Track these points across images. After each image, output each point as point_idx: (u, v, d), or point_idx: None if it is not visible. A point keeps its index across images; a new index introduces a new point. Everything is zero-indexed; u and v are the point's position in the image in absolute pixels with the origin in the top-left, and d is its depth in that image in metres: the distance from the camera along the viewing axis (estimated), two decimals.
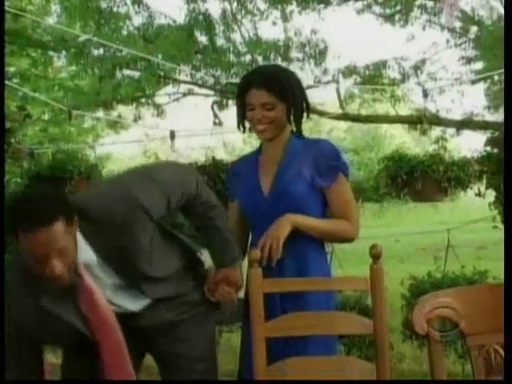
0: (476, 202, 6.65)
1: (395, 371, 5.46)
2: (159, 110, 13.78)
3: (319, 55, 12.40)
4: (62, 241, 2.71)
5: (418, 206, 7.30)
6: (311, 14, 12.30)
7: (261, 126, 3.31)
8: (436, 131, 12.84)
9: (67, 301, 2.90)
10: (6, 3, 7.36)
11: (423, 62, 12.71)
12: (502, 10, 11.48)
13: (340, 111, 12.49)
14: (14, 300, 2.90)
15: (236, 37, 12.21)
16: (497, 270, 5.71)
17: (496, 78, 12.82)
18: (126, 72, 12.12)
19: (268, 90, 3.26)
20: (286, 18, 12.29)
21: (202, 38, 11.95)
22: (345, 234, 3.35)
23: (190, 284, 3.29)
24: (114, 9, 11.75)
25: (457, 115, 12.93)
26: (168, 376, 3.31)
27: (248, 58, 12.16)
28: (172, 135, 7.21)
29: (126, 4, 11.79)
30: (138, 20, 11.88)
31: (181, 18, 11.87)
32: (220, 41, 12.07)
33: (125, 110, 14.78)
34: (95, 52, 11.70)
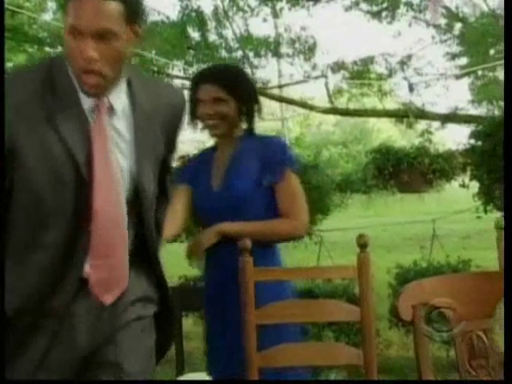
0: (460, 194, 6.66)
1: (382, 357, 5.48)
2: None
3: (308, 51, 12.43)
4: (113, 24, 2.13)
5: (404, 197, 7.30)
6: (300, 11, 12.33)
7: (211, 121, 3.22)
8: (422, 125, 12.87)
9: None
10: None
11: (409, 57, 12.76)
12: (485, 7, 11.52)
13: (329, 105, 12.51)
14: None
15: (228, 33, 12.22)
16: (480, 259, 5.74)
17: (480, 72, 12.89)
18: None
19: (220, 85, 3.19)
20: (276, 15, 12.31)
21: (195, 35, 11.95)
22: (286, 233, 3.24)
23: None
24: None
25: (442, 109, 12.99)
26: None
27: (239, 53, 12.17)
28: None
29: None
30: None
31: (174, 14, 11.88)
32: (212, 37, 12.09)
33: None
34: None
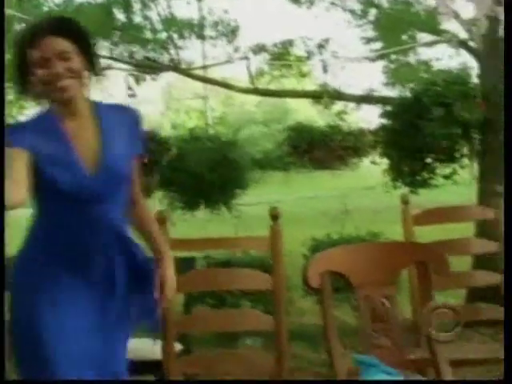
0: (371, 170, 6.78)
1: (296, 324, 5.57)
2: None
3: (231, 33, 12.42)
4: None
5: (319, 173, 7.41)
6: None
7: (64, 82, 2.55)
8: (338, 105, 13.01)
9: None
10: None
11: (327, 41, 12.84)
12: None
13: (251, 86, 12.54)
14: None
15: (152, 15, 12.11)
16: (389, 232, 5.86)
17: (393, 57, 13.06)
18: None
19: (65, 36, 2.57)
20: None
21: (121, 16, 11.82)
22: None
23: None
24: None
25: (357, 90, 13.11)
26: None
27: (164, 35, 12.09)
28: None
29: None
30: None
31: None
32: (137, 18, 11.96)
33: None
34: (18, 27, 11.46)
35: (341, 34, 13.13)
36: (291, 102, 28.64)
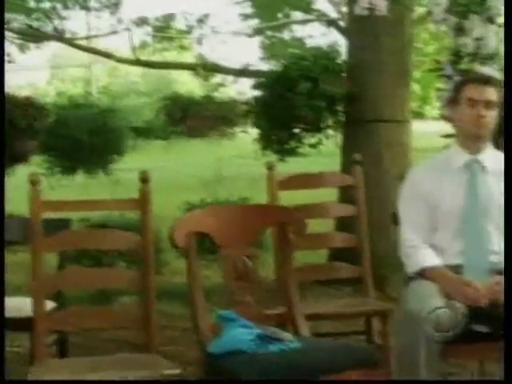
0: (246, 140, 6.85)
1: (168, 283, 5.61)
2: None
3: (114, 6, 12.25)
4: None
5: (196, 142, 7.44)
6: None
7: None
8: (218, 78, 13.06)
9: None
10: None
11: (206, 16, 12.83)
12: None
13: (132, 57, 12.40)
14: None
15: None
16: (259, 198, 5.93)
17: (269, 33, 13.18)
18: None
19: None
20: None
21: None
22: None
23: None
24: None
25: (235, 64, 13.17)
26: None
27: (48, 4, 11.77)
28: None
29: None
30: None
31: None
32: None
33: None
34: None
35: (221, 10, 13.08)
36: (175, 74, 28.50)
